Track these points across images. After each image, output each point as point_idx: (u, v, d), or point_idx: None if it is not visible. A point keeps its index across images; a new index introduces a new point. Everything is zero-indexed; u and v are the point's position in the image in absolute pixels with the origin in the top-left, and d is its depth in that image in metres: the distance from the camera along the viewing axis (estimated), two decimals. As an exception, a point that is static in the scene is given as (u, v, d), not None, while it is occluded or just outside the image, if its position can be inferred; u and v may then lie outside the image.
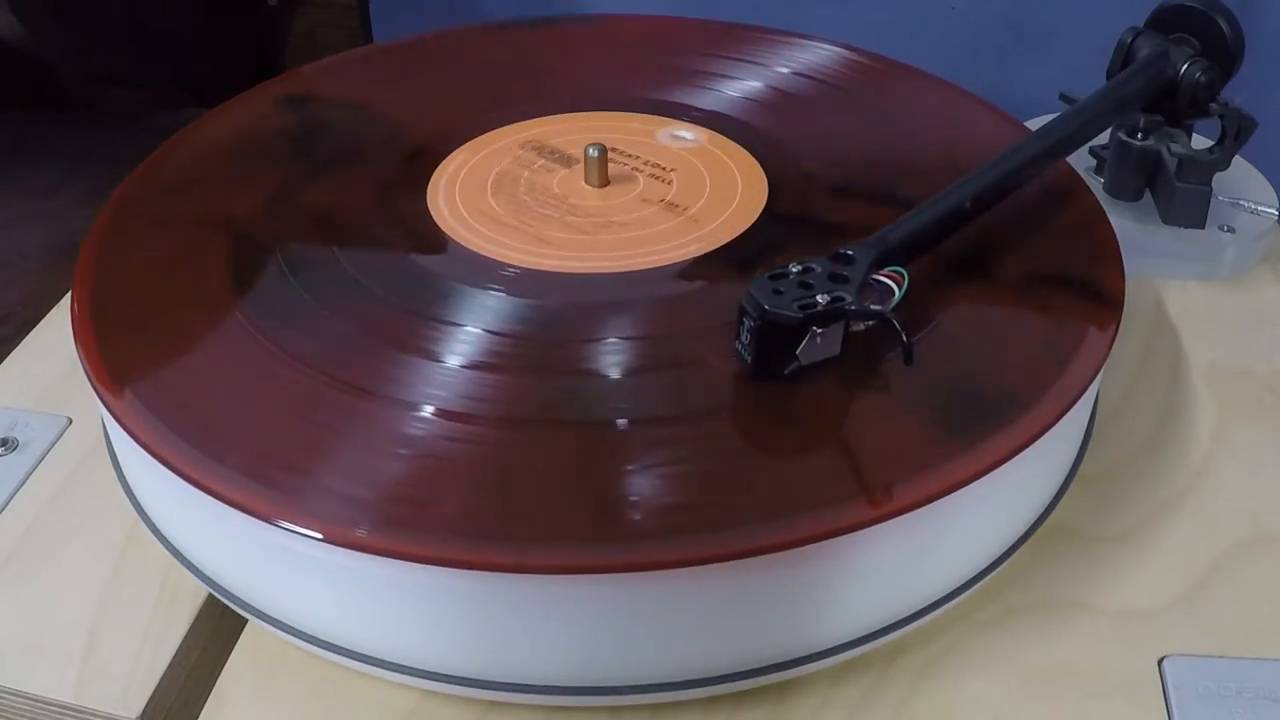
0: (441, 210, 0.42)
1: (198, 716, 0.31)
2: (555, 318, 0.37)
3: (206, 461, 0.31)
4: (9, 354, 0.44)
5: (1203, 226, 0.47)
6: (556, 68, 0.52)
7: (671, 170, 0.44)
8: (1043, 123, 0.43)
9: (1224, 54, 0.47)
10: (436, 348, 0.35)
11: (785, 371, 0.33)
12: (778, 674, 0.31)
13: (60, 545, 0.36)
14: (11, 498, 0.37)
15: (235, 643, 0.33)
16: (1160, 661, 0.32)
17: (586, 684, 0.31)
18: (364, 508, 0.30)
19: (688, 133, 0.42)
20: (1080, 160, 0.48)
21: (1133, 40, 0.48)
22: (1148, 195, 0.48)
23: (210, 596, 0.34)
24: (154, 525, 0.35)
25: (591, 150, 0.42)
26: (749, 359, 0.33)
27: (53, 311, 0.46)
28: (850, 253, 0.34)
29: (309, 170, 0.44)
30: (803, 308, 0.32)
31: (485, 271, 0.38)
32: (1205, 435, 0.40)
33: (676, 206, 0.42)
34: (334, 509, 0.30)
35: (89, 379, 0.35)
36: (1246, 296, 0.46)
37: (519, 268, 0.39)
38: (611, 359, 0.35)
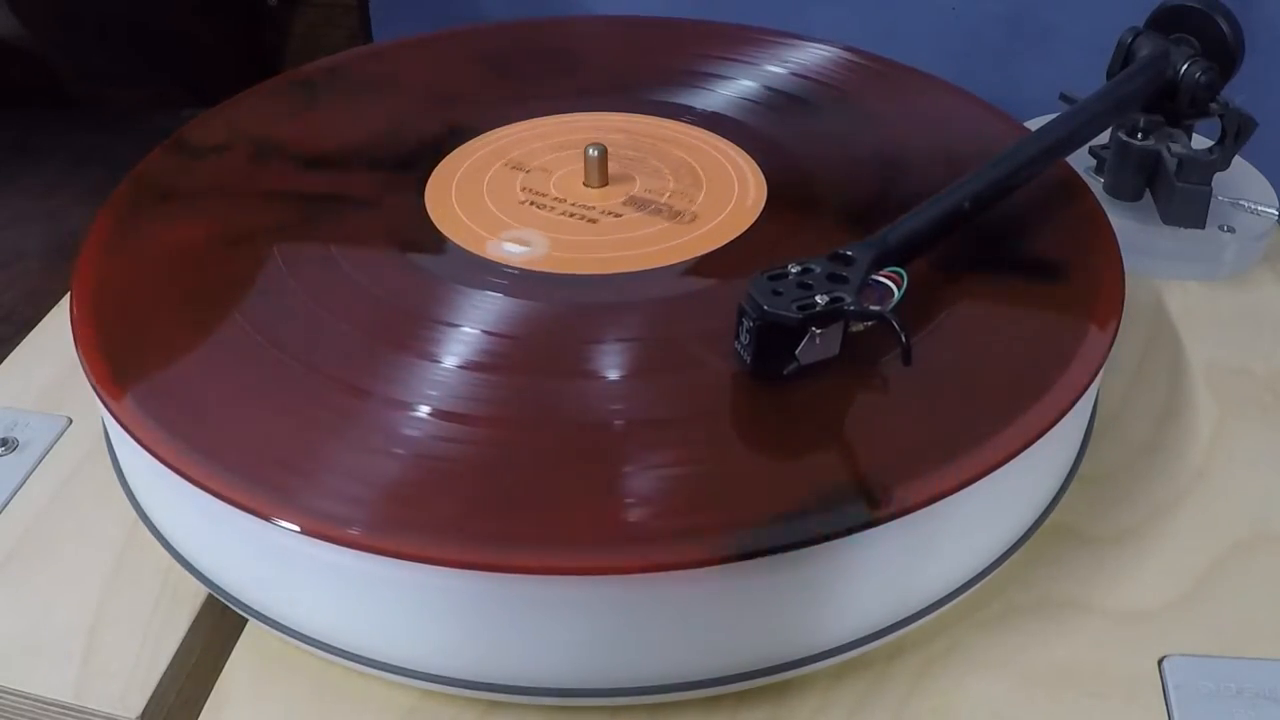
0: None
1: (198, 716, 0.31)
2: (553, 318, 0.37)
3: (206, 461, 0.31)
4: (9, 354, 0.44)
5: (1203, 226, 0.47)
6: (556, 68, 0.52)
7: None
8: (1043, 123, 0.43)
9: (1224, 54, 0.47)
10: (435, 348, 0.35)
11: (784, 372, 0.33)
12: (778, 674, 0.31)
13: (60, 545, 0.36)
14: (11, 498, 0.37)
15: (235, 643, 0.33)
16: (1160, 661, 0.32)
17: (586, 685, 0.31)
18: (364, 507, 0.30)
19: (518, 247, 0.39)
20: (1080, 160, 0.48)
21: (1133, 40, 0.48)
22: (1148, 195, 0.48)
23: (210, 596, 0.34)
24: (154, 525, 0.35)
25: (591, 150, 0.42)
26: (748, 359, 0.33)
27: (53, 311, 0.46)
28: (849, 253, 0.34)
29: (308, 170, 0.44)
30: (801, 308, 0.32)
31: (484, 272, 0.38)
32: (1205, 435, 0.40)
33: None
34: (333, 508, 0.30)
35: (89, 379, 0.35)
36: (1246, 296, 0.46)
37: (517, 268, 0.39)
38: (610, 360, 0.35)
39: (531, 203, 0.42)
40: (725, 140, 0.46)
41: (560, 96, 0.49)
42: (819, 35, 0.53)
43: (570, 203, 0.42)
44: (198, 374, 0.35)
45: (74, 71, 0.72)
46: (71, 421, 0.40)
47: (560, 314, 0.37)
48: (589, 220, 0.41)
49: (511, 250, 0.39)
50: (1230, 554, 0.36)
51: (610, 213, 0.42)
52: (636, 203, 0.42)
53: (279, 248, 0.40)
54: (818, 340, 0.33)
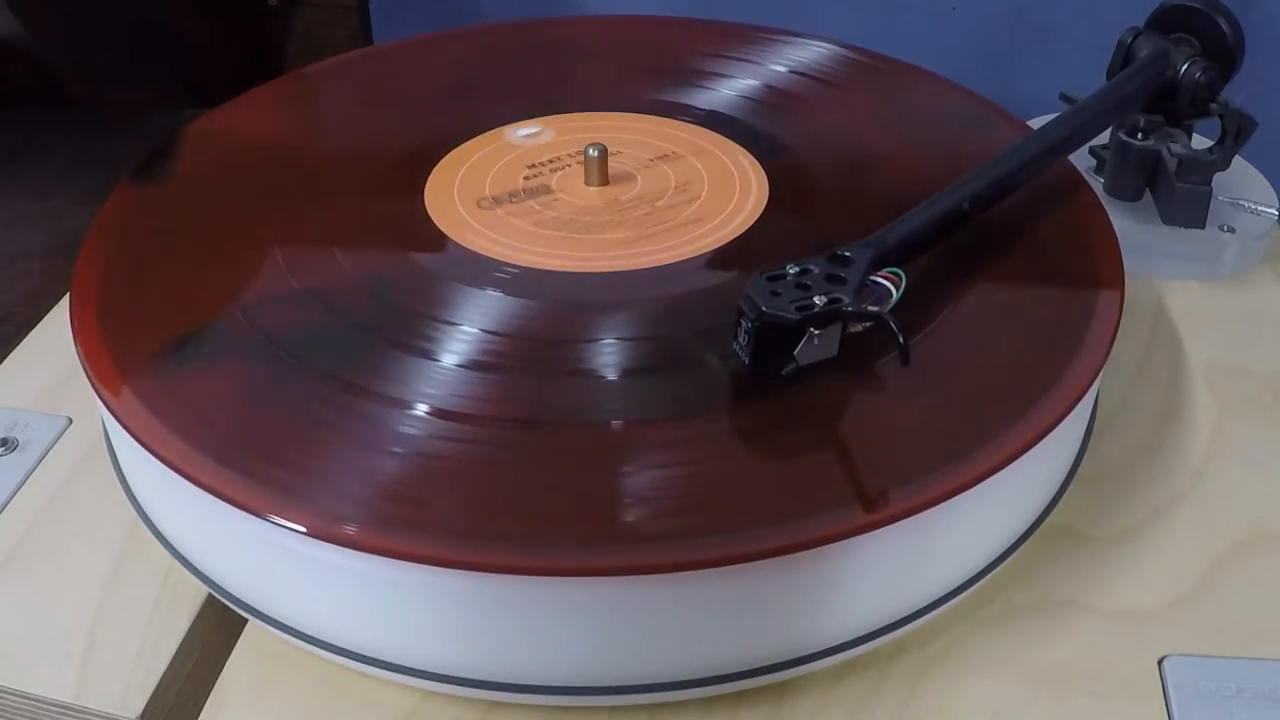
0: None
1: (198, 716, 0.31)
2: (553, 318, 0.37)
3: (206, 461, 0.31)
4: (9, 354, 0.44)
5: (1203, 226, 0.47)
6: (556, 67, 0.52)
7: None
8: (1043, 123, 0.43)
9: (1224, 54, 0.47)
10: (435, 347, 0.35)
11: (783, 373, 0.33)
12: (777, 674, 0.31)
13: (60, 545, 0.36)
14: (11, 498, 0.37)
15: (235, 643, 0.33)
16: (1160, 661, 0.32)
17: (586, 684, 0.31)
18: (363, 507, 0.30)
19: (532, 128, 0.44)
20: (1080, 160, 0.48)
21: (1133, 40, 0.48)
22: (1148, 195, 0.48)
23: (210, 596, 0.34)
24: (154, 525, 0.35)
25: (591, 150, 0.42)
26: (746, 360, 0.33)
27: (53, 311, 0.46)
28: (848, 254, 0.34)
29: (308, 170, 0.44)
30: (800, 309, 0.32)
31: (484, 271, 0.38)
32: (1205, 435, 0.40)
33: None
34: (334, 508, 0.30)
35: (89, 379, 0.35)
36: (1246, 296, 0.46)
37: (518, 267, 0.39)
38: (609, 359, 0.35)
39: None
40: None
41: (560, 96, 0.49)
42: (820, 34, 0.53)
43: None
44: (197, 373, 0.35)
45: (74, 71, 0.72)
46: (71, 421, 0.40)
47: (560, 313, 0.37)
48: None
49: (523, 134, 0.45)
50: (1230, 554, 0.36)
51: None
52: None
53: (279, 246, 0.40)
54: (816, 341, 0.33)
